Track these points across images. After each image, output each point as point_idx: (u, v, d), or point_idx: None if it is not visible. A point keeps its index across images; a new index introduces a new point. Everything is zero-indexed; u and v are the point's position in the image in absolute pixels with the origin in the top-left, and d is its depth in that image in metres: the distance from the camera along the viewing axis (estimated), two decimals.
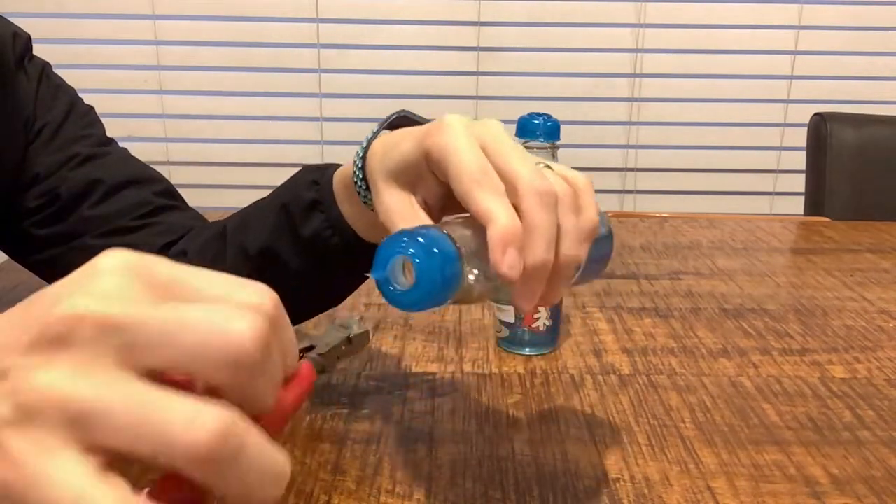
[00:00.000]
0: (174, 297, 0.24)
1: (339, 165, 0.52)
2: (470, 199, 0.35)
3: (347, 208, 0.50)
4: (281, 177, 0.55)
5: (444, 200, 0.41)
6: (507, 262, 0.33)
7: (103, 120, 0.67)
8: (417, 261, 0.32)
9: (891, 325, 0.71)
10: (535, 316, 0.62)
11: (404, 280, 0.33)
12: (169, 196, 0.64)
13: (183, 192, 0.67)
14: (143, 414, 0.21)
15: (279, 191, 0.55)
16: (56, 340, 0.22)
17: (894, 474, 0.48)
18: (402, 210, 0.40)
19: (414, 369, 0.60)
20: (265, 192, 0.56)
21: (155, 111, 1.79)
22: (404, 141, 0.41)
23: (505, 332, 0.64)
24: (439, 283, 0.33)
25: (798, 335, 0.68)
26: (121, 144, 0.69)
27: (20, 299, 0.24)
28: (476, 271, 0.35)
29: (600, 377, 0.60)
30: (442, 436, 0.51)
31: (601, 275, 0.40)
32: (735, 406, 0.56)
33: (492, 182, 0.36)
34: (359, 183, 0.46)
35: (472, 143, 0.37)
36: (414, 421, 0.53)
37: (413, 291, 0.33)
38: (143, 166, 0.66)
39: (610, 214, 1.26)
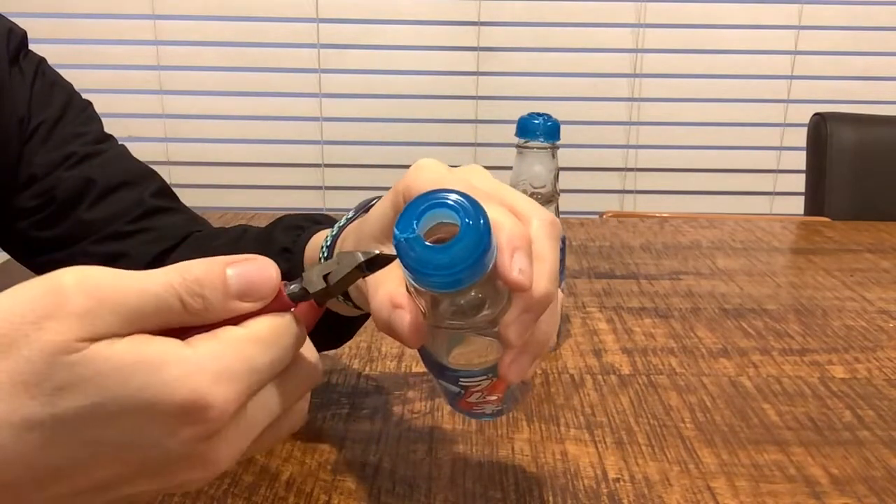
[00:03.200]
0: None
1: (316, 227, 0.49)
2: None
3: None
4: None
5: None
6: (517, 266, 0.29)
7: (103, 120, 0.67)
8: (466, 218, 0.28)
9: (891, 325, 0.71)
10: None
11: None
12: (163, 197, 0.64)
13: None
14: None
15: (257, 238, 0.54)
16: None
17: (894, 474, 0.48)
18: (382, 279, 0.34)
19: (414, 369, 0.60)
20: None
21: (155, 111, 1.79)
22: (376, 207, 0.37)
23: None
24: (482, 245, 0.27)
25: (798, 335, 0.68)
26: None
27: None
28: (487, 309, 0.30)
29: (600, 377, 0.60)
30: (442, 436, 0.51)
31: None
32: (735, 406, 0.56)
33: (495, 199, 0.32)
34: None
35: (458, 179, 0.33)
36: (414, 421, 0.53)
37: (450, 247, 0.27)
38: (138, 165, 0.65)
39: (610, 214, 1.26)
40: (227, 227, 0.62)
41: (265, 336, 0.27)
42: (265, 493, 0.45)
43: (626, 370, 0.61)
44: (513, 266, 0.29)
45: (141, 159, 0.66)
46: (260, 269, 0.28)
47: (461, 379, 0.33)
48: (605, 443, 0.50)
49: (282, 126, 1.82)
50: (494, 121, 1.82)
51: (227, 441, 0.27)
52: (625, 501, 0.44)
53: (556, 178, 0.60)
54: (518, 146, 0.60)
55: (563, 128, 0.59)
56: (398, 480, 0.46)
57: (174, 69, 1.78)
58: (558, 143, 0.59)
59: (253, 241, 0.55)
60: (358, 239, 0.39)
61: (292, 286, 0.29)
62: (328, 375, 0.59)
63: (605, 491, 0.45)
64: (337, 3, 1.75)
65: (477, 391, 0.34)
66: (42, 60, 0.63)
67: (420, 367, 0.60)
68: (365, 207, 0.44)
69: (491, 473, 0.47)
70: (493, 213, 0.30)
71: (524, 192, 0.60)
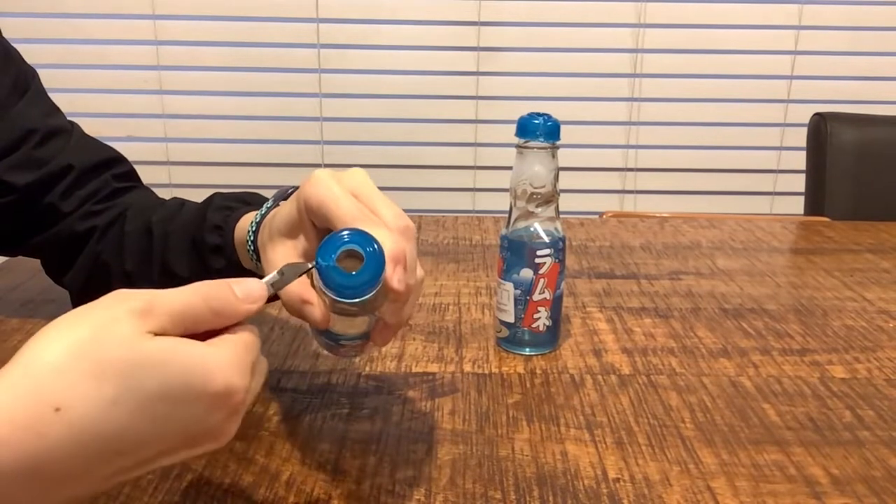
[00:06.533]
0: None
1: (244, 208, 0.56)
2: None
3: (246, 262, 0.54)
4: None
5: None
6: (396, 278, 0.39)
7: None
8: (369, 249, 0.38)
9: (891, 325, 0.71)
10: (535, 315, 0.62)
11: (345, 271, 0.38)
12: (124, 179, 0.66)
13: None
14: None
15: (192, 215, 0.58)
16: None
17: (894, 474, 0.48)
18: (281, 262, 0.44)
19: (414, 369, 0.60)
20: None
21: (155, 111, 1.79)
22: (283, 205, 0.47)
23: (505, 332, 0.64)
24: (381, 268, 0.38)
25: (798, 335, 0.68)
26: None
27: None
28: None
29: (600, 377, 0.60)
30: (442, 436, 0.51)
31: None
32: (735, 406, 0.56)
33: (370, 218, 0.41)
34: (251, 253, 0.51)
35: (344, 191, 0.42)
36: (414, 421, 0.53)
37: (361, 274, 0.38)
38: (99, 146, 0.66)
39: (610, 214, 1.26)
40: (164, 201, 0.65)
41: (252, 341, 0.36)
42: (265, 492, 0.45)
43: (626, 370, 0.61)
44: (393, 278, 0.39)
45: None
46: (253, 281, 0.37)
47: (341, 340, 0.44)
48: (605, 443, 0.50)
49: (282, 126, 1.82)
50: (494, 121, 1.82)
51: (238, 418, 0.35)
52: (625, 501, 0.44)
53: (556, 178, 0.60)
54: (518, 146, 0.60)
55: (563, 128, 0.59)
56: (398, 480, 0.46)
57: (174, 69, 1.78)
58: (558, 143, 0.59)
59: (188, 220, 0.58)
60: (269, 230, 0.47)
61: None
62: (328, 376, 0.59)
63: (605, 491, 0.45)
64: (337, 3, 1.75)
65: (349, 347, 0.46)
66: None
67: (420, 368, 0.60)
68: (284, 195, 0.52)
69: (491, 473, 0.47)
70: (378, 235, 0.39)
71: (524, 192, 0.60)
